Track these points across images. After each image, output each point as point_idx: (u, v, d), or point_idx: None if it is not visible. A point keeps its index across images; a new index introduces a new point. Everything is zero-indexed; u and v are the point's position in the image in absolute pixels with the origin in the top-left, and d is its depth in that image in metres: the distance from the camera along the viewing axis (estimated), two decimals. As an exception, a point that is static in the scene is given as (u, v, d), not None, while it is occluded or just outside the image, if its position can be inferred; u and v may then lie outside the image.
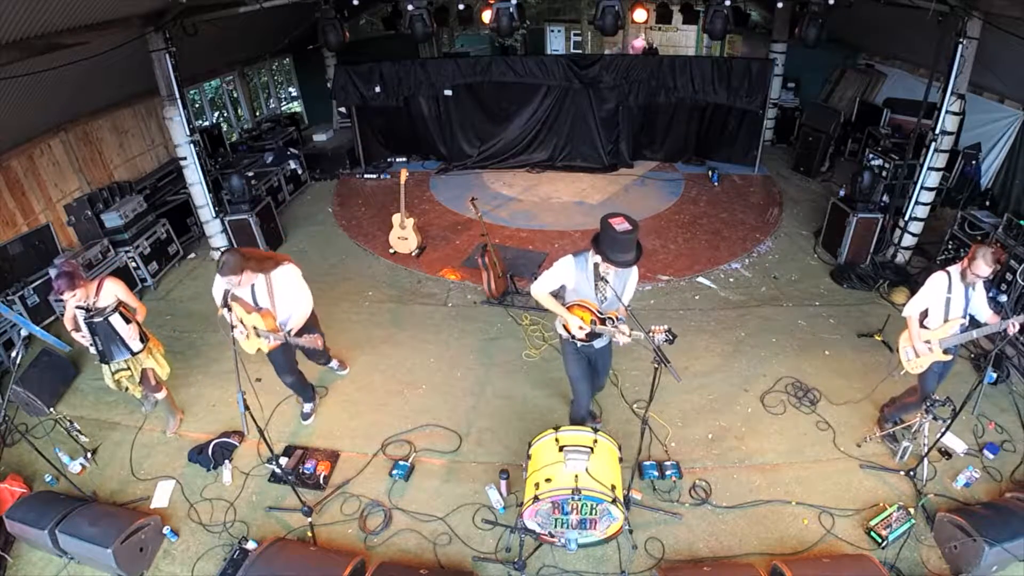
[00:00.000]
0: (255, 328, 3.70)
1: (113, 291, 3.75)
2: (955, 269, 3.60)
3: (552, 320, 3.58)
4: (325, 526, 3.70)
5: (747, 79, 8.27)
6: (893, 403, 4.20)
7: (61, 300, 3.71)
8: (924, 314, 3.74)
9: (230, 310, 3.38)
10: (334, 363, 4.90)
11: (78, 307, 3.64)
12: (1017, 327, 3.37)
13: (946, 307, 3.61)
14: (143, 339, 3.91)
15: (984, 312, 3.63)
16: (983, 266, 3.39)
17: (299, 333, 3.75)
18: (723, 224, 7.51)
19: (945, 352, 3.69)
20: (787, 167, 9.18)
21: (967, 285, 3.55)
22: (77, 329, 3.79)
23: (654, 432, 4.24)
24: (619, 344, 3.37)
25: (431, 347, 5.33)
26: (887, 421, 4.20)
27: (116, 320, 3.66)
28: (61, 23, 4.67)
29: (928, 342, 3.71)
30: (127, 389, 4.11)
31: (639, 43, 14.23)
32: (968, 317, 3.64)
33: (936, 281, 3.62)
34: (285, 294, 3.75)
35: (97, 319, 3.62)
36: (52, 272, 3.61)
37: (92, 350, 3.81)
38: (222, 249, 3.71)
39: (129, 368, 3.97)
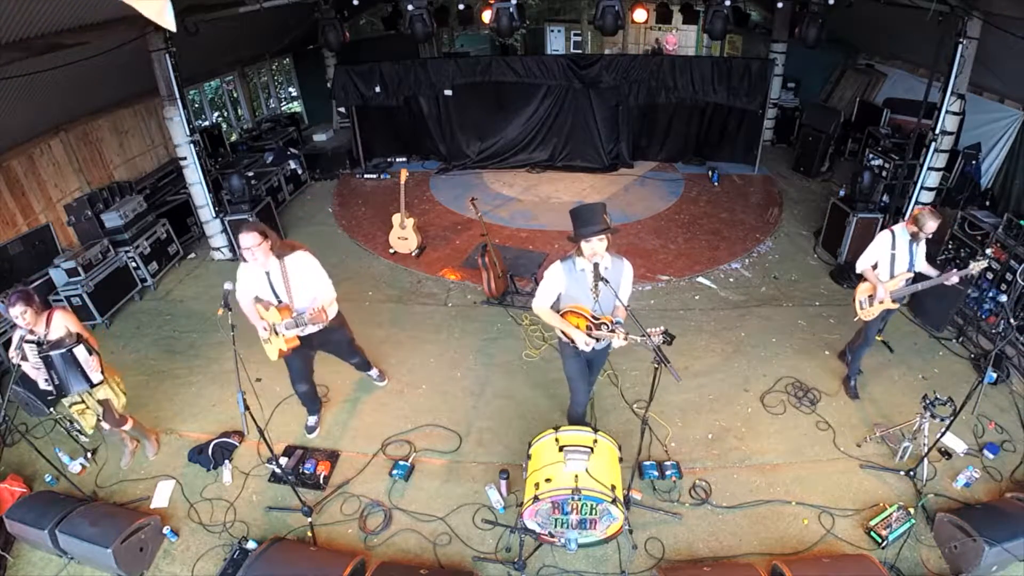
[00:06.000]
0: (273, 325, 3.61)
1: (64, 323, 3.56)
2: (899, 228, 4.07)
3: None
4: (325, 526, 3.70)
5: (747, 79, 8.28)
6: (848, 349, 4.79)
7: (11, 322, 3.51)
8: (874, 268, 4.18)
9: (230, 309, 3.37)
10: (374, 372, 4.76)
11: (27, 341, 3.47)
12: (956, 279, 3.89)
13: (891, 263, 4.10)
14: (102, 370, 3.70)
15: (924, 265, 4.14)
16: (931, 223, 3.86)
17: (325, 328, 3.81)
18: (723, 224, 7.51)
19: (894, 301, 4.16)
20: (787, 167, 9.18)
21: (911, 242, 4.02)
22: (25, 359, 3.52)
23: (654, 432, 4.25)
24: (614, 346, 3.37)
25: (431, 347, 5.33)
26: (849, 365, 4.66)
27: (80, 351, 3.48)
28: (61, 23, 4.67)
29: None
30: (80, 430, 3.93)
31: (672, 39, 14.40)
32: (914, 272, 4.14)
33: (881, 239, 4.09)
34: (300, 281, 3.65)
35: (53, 352, 3.42)
36: (5, 299, 3.40)
37: (47, 385, 3.57)
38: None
39: (84, 402, 3.76)
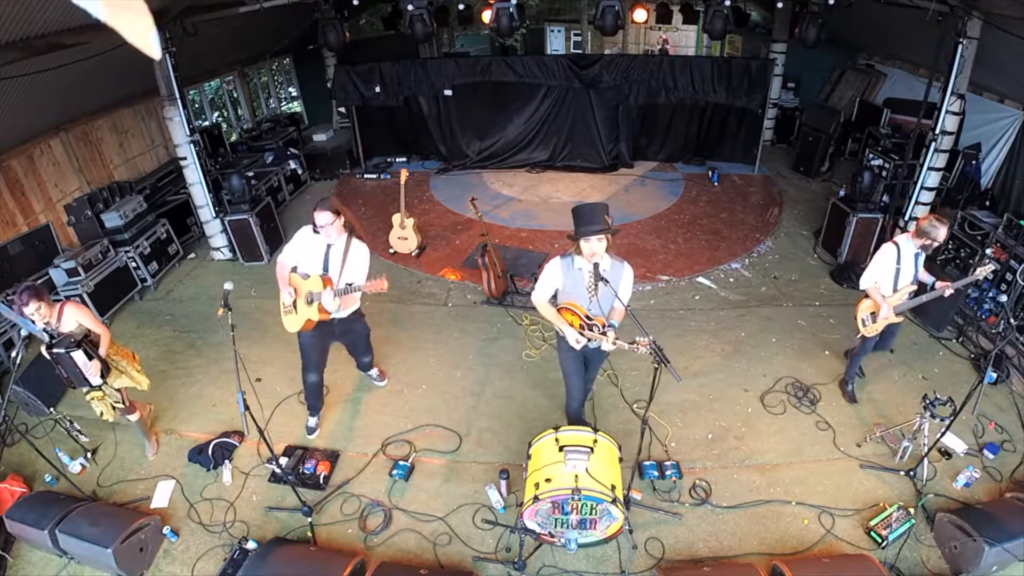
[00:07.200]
0: (309, 293, 3.69)
1: (75, 317, 3.59)
2: (903, 239, 3.90)
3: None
4: (325, 526, 3.70)
5: (747, 79, 8.27)
6: (847, 353, 4.80)
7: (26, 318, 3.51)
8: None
9: (230, 309, 3.38)
10: (374, 372, 4.80)
11: (44, 331, 3.53)
12: (951, 291, 3.80)
13: (896, 276, 3.96)
14: (104, 373, 3.71)
15: (921, 272, 4.00)
16: (941, 231, 3.71)
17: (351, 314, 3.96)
18: (723, 224, 7.51)
19: (897, 315, 4.07)
20: (787, 167, 9.18)
21: (918, 254, 3.89)
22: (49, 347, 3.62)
23: (654, 432, 4.25)
24: (603, 349, 3.38)
25: (431, 347, 5.33)
26: (847, 369, 4.57)
27: (78, 356, 3.52)
28: (61, 23, 4.67)
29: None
30: (101, 414, 3.91)
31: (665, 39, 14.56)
32: (916, 284, 3.99)
33: (886, 254, 3.92)
34: (354, 264, 3.77)
35: (58, 350, 3.48)
36: (15, 293, 3.46)
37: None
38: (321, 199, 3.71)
39: (101, 390, 3.82)
